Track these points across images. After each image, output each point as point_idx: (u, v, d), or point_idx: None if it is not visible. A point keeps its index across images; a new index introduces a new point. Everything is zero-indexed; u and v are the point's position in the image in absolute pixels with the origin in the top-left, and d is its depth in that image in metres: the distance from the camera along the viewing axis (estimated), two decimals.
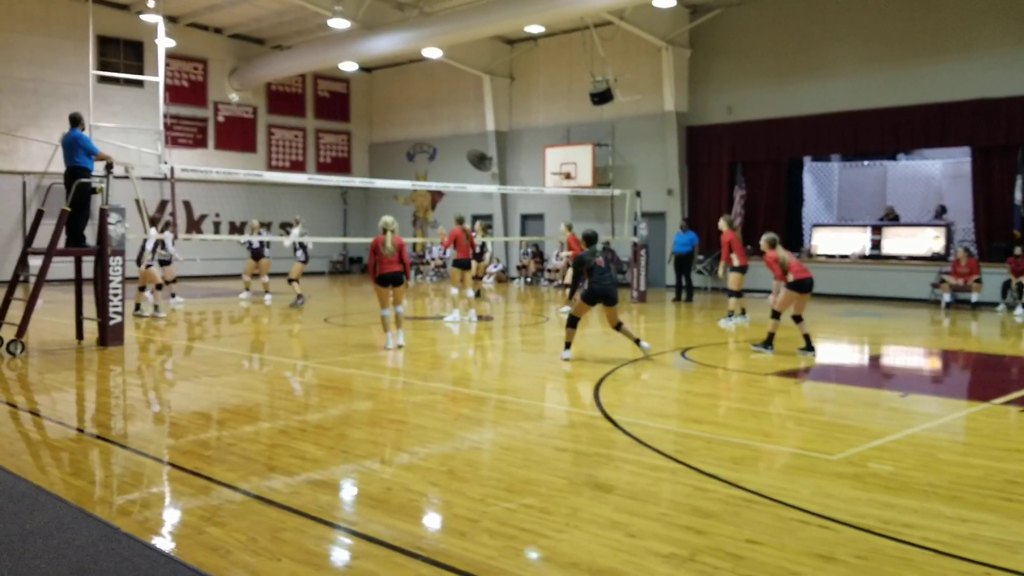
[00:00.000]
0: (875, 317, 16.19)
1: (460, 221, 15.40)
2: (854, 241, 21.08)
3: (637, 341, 10.58)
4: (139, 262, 15.55)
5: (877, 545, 4.32)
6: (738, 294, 14.66)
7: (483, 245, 17.90)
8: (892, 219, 21.38)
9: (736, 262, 14.49)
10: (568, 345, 10.55)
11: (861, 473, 5.63)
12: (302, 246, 18.03)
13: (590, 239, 10.64)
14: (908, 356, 12.19)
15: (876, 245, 20.74)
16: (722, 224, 14.94)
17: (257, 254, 18.65)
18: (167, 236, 16.01)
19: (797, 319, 11.06)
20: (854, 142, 20.63)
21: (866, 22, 19.77)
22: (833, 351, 12.64)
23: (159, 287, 16.19)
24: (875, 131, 19.87)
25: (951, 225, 20.17)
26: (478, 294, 15.30)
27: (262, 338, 13.43)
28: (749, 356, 11.05)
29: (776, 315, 11.15)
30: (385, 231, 11.29)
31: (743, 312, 14.79)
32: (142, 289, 15.87)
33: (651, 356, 10.64)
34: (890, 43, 19.41)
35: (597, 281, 10.31)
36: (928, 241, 20.06)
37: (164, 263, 16.81)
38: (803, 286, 10.91)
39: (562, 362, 10.36)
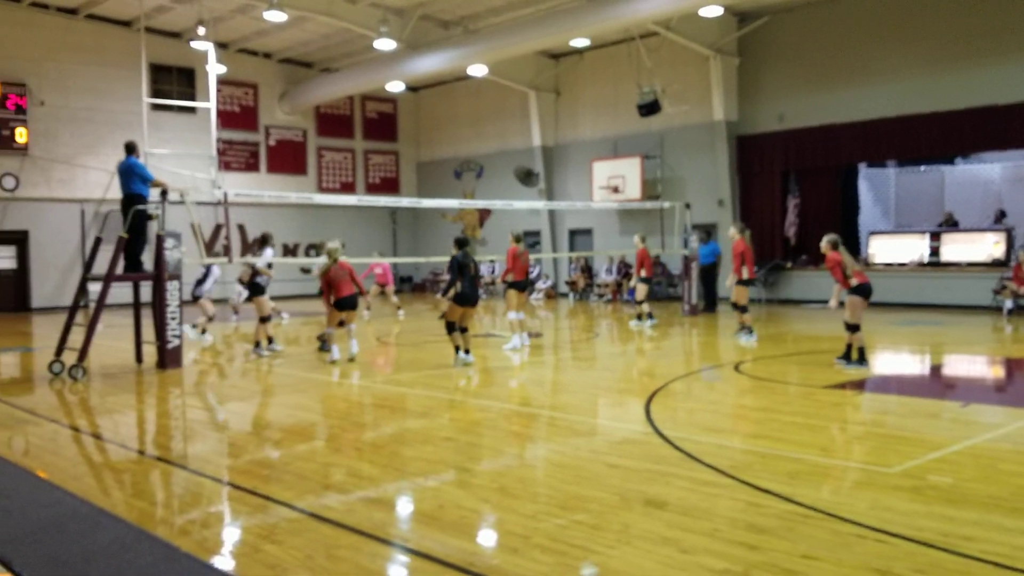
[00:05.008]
0: (935, 325, 15.84)
1: (518, 240, 13.73)
2: (912, 248, 20.66)
3: (466, 351, 11.24)
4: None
5: (936, 559, 4.23)
6: (745, 308, 13.99)
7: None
8: (951, 225, 20.93)
9: (745, 275, 13.86)
10: (458, 349, 11.22)
11: (920, 486, 5.51)
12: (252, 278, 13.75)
13: (462, 243, 11.29)
14: (969, 365, 11.90)
15: (935, 252, 20.29)
16: (733, 232, 14.22)
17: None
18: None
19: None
20: (909, 147, 20.20)
21: (917, 24, 19.44)
22: (892, 361, 12.39)
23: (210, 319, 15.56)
24: (930, 135, 19.45)
25: (1012, 230, 19.65)
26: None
27: (318, 358, 13.58)
28: (804, 369, 10.88)
29: (855, 328, 10.35)
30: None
31: (751, 329, 13.96)
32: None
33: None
34: (942, 44, 19.03)
35: (469, 285, 11.03)
36: (988, 247, 19.58)
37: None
38: (865, 291, 10.35)
39: (461, 368, 11.02)
